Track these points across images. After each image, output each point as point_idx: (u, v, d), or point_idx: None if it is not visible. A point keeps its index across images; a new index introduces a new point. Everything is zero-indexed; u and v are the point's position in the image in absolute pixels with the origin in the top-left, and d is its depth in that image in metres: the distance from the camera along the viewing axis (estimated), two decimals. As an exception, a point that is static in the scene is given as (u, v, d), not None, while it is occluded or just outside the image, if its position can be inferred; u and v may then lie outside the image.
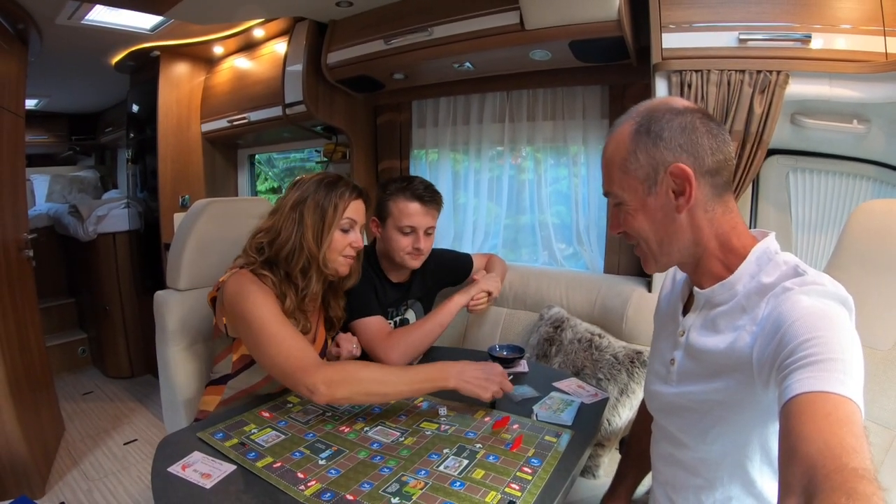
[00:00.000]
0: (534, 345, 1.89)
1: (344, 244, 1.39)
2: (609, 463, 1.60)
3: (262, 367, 1.30)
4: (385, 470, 1.00)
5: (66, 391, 3.44)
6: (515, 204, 2.61)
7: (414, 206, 1.67)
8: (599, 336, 1.74)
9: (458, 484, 0.96)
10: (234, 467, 1.02)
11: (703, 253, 0.87)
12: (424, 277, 1.88)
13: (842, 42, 1.40)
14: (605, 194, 0.92)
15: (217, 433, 1.14)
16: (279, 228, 1.35)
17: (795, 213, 1.81)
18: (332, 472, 1.00)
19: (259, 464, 1.02)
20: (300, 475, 0.99)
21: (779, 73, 1.44)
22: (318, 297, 1.45)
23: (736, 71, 1.48)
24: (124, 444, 2.77)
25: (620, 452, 1.33)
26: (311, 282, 1.36)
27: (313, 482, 0.96)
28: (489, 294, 1.81)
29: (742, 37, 1.48)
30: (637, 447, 1.22)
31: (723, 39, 1.51)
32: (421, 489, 0.94)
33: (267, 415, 1.24)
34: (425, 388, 1.22)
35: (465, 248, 2.64)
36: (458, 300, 1.71)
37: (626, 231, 0.90)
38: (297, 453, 1.07)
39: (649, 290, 1.85)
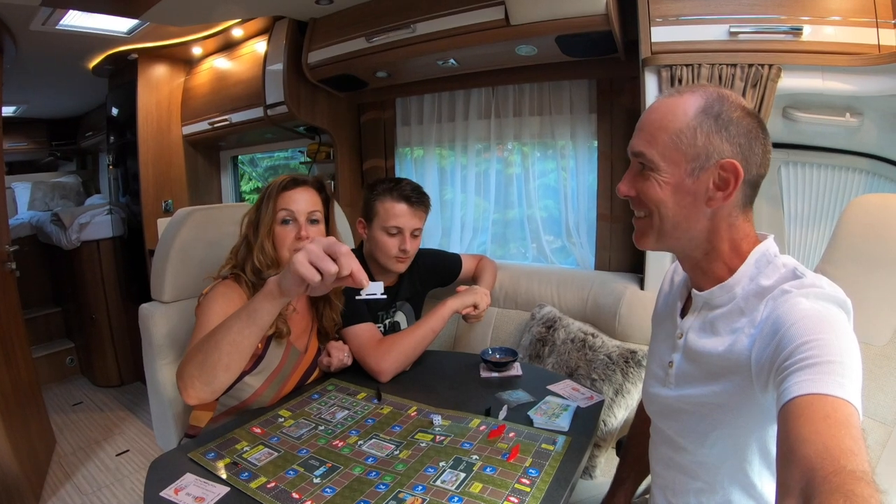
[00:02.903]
0: (526, 345, 1.87)
1: (288, 238, 1.37)
2: (605, 463, 1.59)
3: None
4: (381, 487, 0.98)
5: (56, 402, 3.39)
6: (503, 198, 2.59)
7: (401, 207, 1.66)
8: (593, 336, 1.72)
9: (455, 499, 0.94)
10: (227, 489, 0.99)
11: (712, 251, 0.85)
12: (413, 279, 1.86)
13: (834, 34, 1.38)
14: (636, 154, 0.86)
15: (209, 453, 1.11)
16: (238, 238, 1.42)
17: (788, 207, 1.80)
18: (328, 490, 0.98)
19: (253, 485, 1.00)
20: (295, 495, 0.96)
21: (771, 66, 1.42)
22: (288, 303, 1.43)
23: (727, 65, 1.46)
24: (116, 455, 2.74)
25: (617, 454, 1.32)
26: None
27: (309, 502, 0.94)
28: (475, 307, 1.71)
29: (733, 29, 1.45)
30: (635, 450, 1.21)
31: (713, 32, 1.49)
32: (418, 506, 0.92)
33: (258, 431, 1.21)
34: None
35: (454, 245, 2.63)
36: (451, 305, 1.64)
37: (638, 197, 0.87)
38: (290, 472, 1.04)
39: (642, 288, 1.84)
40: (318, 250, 0.96)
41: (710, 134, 0.80)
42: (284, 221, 1.38)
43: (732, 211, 0.83)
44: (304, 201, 1.40)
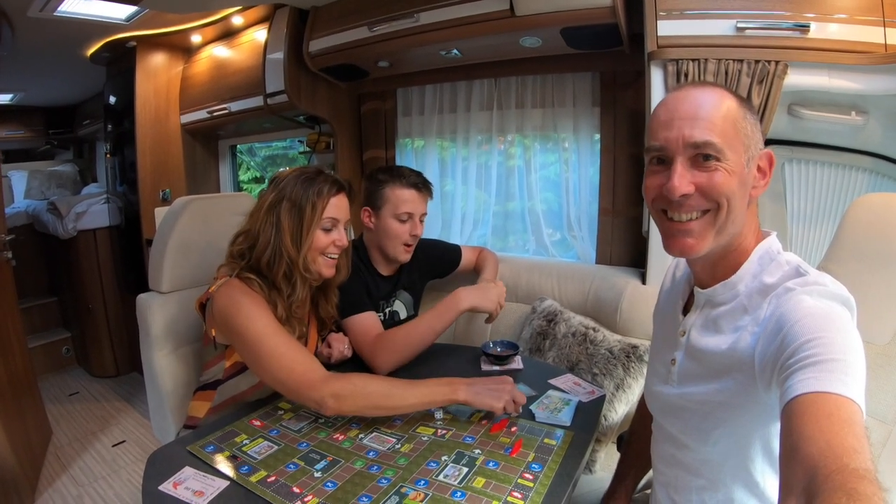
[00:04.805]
0: (527, 339, 1.87)
1: (326, 243, 1.33)
2: (606, 458, 1.59)
3: (264, 382, 1.26)
4: (383, 481, 0.98)
5: (52, 392, 3.38)
6: (504, 191, 2.58)
7: (410, 194, 1.69)
8: (594, 330, 1.72)
9: (458, 494, 0.93)
10: (227, 483, 0.98)
11: (738, 245, 0.84)
12: (412, 268, 1.87)
13: (840, 32, 1.38)
14: (697, 145, 0.78)
15: (208, 446, 1.10)
16: (257, 233, 1.29)
17: (791, 204, 1.80)
18: (329, 484, 0.97)
19: (253, 478, 0.99)
20: (296, 490, 0.96)
21: (777, 63, 1.41)
22: (305, 303, 1.39)
23: (734, 60, 1.45)
24: (112, 445, 2.73)
25: (618, 449, 1.32)
26: (296, 287, 1.31)
27: (310, 497, 0.94)
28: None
29: (739, 25, 1.44)
30: (636, 446, 1.21)
31: (720, 27, 1.48)
32: (421, 501, 0.92)
33: (258, 423, 1.20)
34: (435, 402, 1.18)
35: (454, 237, 2.63)
36: (462, 304, 1.57)
37: (699, 192, 0.79)
38: (291, 465, 1.04)
39: (643, 282, 1.84)
40: (510, 399, 1.18)
41: (753, 125, 0.82)
42: (327, 230, 1.33)
43: (757, 200, 0.85)
44: (344, 207, 1.36)
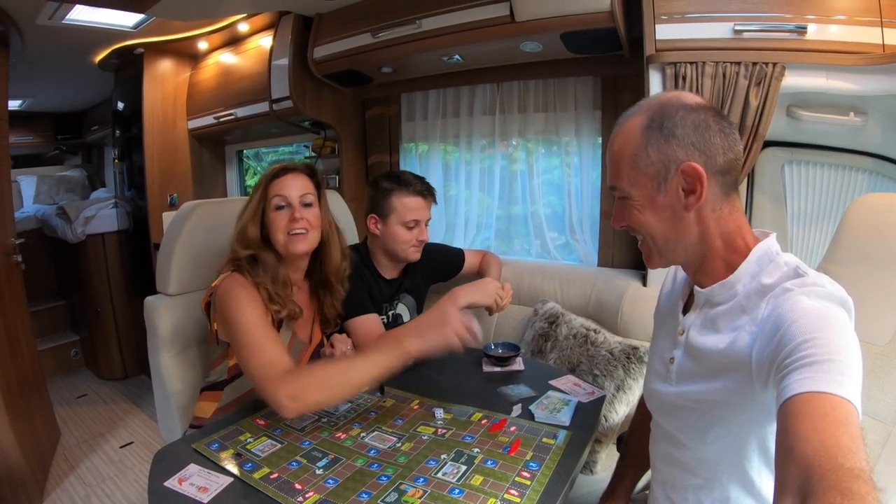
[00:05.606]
0: (528, 341, 1.88)
1: (283, 222, 1.38)
2: (606, 459, 1.60)
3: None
4: (383, 478, 0.99)
5: (61, 395, 3.42)
6: (507, 195, 2.60)
7: (416, 201, 1.71)
8: (595, 331, 1.73)
9: (456, 491, 0.95)
10: (230, 480, 1.00)
11: (708, 252, 0.86)
12: (416, 272, 1.88)
13: (838, 33, 1.38)
14: (612, 188, 0.90)
15: (212, 444, 1.12)
16: (240, 225, 1.41)
17: (791, 205, 1.80)
18: (330, 481, 0.99)
19: (256, 475, 1.01)
20: (297, 486, 0.97)
21: (775, 64, 1.42)
22: (289, 283, 1.42)
23: (731, 63, 1.46)
24: (120, 447, 2.76)
25: (618, 449, 1.33)
26: (268, 264, 1.36)
27: (311, 493, 0.95)
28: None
29: (737, 28, 1.46)
30: (635, 446, 1.22)
31: (717, 31, 1.49)
32: (420, 498, 0.93)
33: (262, 423, 1.22)
34: (391, 364, 1.16)
35: (458, 241, 2.64)
36: (460, 301, 1.40)
37: (629, 225, 0.89)
38: (293, 463, 1.05)
39: (644, 285, 1.85)
40: (460, 328, 1.19)
41: (661, 146, 0.81)
42: (279, 207, 1.39)
43: (714, 205, 0.83)
44: (295, 186, 1.42)
